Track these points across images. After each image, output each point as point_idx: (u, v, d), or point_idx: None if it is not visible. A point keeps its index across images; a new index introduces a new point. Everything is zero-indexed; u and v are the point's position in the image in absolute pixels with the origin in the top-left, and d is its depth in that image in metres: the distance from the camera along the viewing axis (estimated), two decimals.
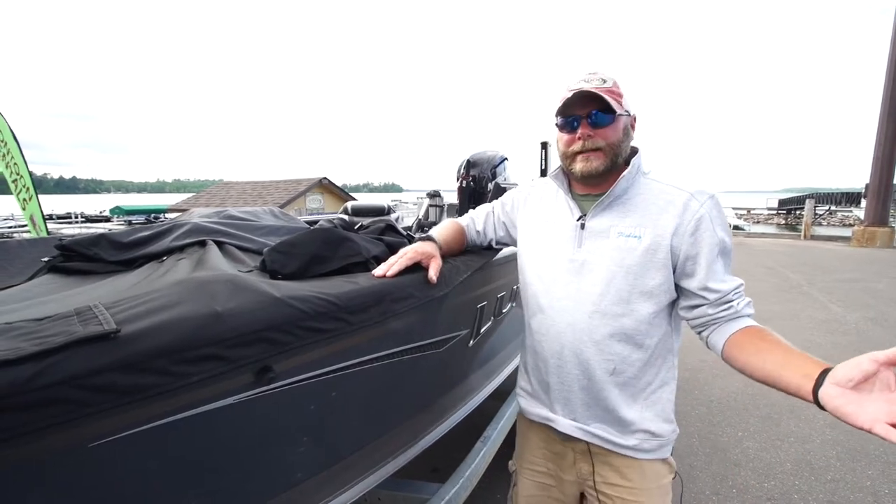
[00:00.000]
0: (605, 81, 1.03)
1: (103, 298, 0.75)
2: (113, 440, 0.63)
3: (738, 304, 1.03)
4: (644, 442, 1.11)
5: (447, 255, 1.24)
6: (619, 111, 1.03)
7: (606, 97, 1.01)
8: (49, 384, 0.55)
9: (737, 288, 1.03)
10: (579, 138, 1.05)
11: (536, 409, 1.23)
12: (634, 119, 1.11)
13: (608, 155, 1.05)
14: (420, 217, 3.88)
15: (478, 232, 1.39)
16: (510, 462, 1.39)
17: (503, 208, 1.35)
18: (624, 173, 1.06)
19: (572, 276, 1.10)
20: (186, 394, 0.69)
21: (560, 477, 1.24)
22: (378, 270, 1.04)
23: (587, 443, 1.15)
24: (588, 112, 1.04)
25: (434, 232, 1.29)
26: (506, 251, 1.50)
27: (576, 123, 1.05)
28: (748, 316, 1.03)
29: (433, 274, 1.07)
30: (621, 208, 1.07)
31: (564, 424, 1.16)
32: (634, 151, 1.13)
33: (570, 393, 1.13)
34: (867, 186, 12.98)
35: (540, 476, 1.28)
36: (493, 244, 1.40)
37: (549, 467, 1.26)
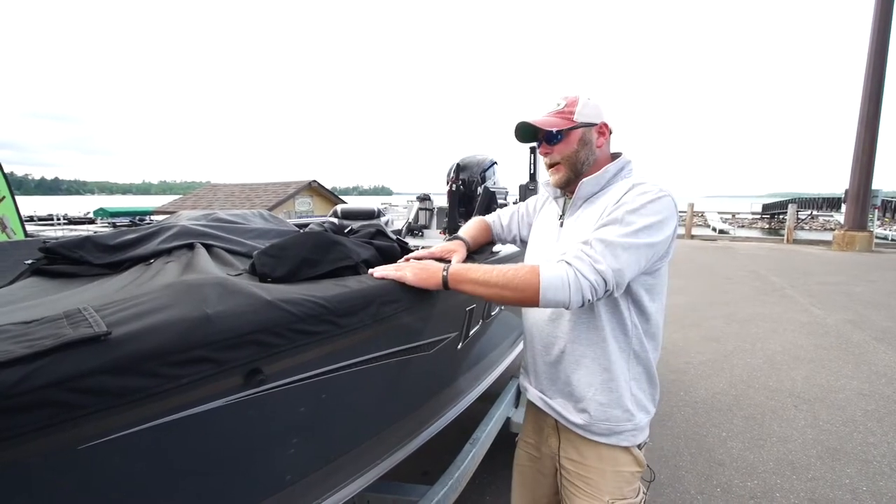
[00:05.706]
0: (559, 104, 1.19)
1: (90, 301, 0.75)
2: (103, 442, 0.64)
3: (575, 248, 1.01)
4: (593, 424, 1.15)
5: (476, 247, 1.42)
6: (564, 127, 1.16)
7: (541, 122, 1.16)
8: (39, 387, 0.55)
9: (587, 242, 1.01)
10: (543, 154, 1.22)
11: (524, 382, 1.37)
12: (603, 126, 1.19)
13: (566, 166, 1.19)
14: (410, 220, 3.87)
15: (502, 226, 1.52)
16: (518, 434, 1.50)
17: (527, 209, 1.48)
18: (584, 179, 1.17)
19: None
20: (177, 396, 0.70)
21: (540, 450, 1.34)
22: (382, 271, 1.09)
23: (555, 419, 1.24)
24: (544, 133, 1.19)
25: (462, 231, 1.45)
26: (497, 254, 1.53)
27: (540, 143, 1.22)
28: (567, 260, 1.00)
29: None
30: (590, 207, 1.16)
31: (533, 394, 1.30)
32: (617, 156, 1.22)
33: (538, 367, 1.26)
34: (847, 192, 13.31)
35: (529, 448, 1.38)
36: (518, 240, 1.52)
37: (535, 440, 1.36)
